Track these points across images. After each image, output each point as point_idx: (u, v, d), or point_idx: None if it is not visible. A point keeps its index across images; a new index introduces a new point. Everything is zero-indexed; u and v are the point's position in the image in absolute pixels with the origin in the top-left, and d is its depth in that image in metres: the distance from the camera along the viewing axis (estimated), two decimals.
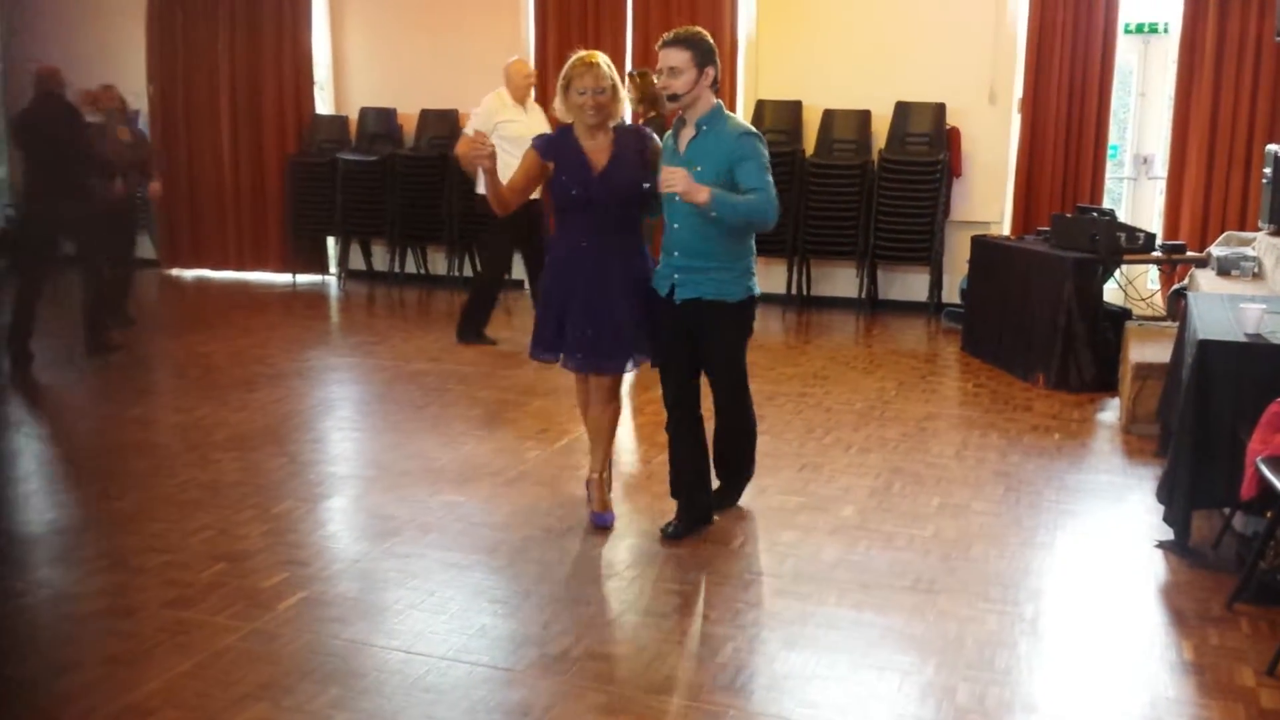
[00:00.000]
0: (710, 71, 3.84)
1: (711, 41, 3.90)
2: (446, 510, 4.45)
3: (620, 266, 4.04)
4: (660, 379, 4.17)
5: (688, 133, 3.94)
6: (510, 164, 4.38)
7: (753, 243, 4.04)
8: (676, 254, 3.98)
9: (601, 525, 4.24)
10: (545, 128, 7.12)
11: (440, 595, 3.68)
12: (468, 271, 9.65)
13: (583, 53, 4.00)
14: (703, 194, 3.72)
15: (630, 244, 4.10)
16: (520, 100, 7.12)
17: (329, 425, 5.82)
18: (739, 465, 4.42)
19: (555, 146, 4.04)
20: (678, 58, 3.79)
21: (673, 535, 4.14)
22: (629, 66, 8.63)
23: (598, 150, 3.99)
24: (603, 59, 3.96)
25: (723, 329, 4.03)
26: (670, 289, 4.01)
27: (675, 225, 3.97)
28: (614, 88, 3.96)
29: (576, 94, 3.92)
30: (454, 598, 3.66)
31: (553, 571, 3.90)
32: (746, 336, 4.13)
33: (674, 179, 3.73)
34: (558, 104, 4.02)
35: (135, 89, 10.16)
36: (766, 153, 3.88)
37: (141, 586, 3.73)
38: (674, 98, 3.84)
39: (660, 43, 3.87)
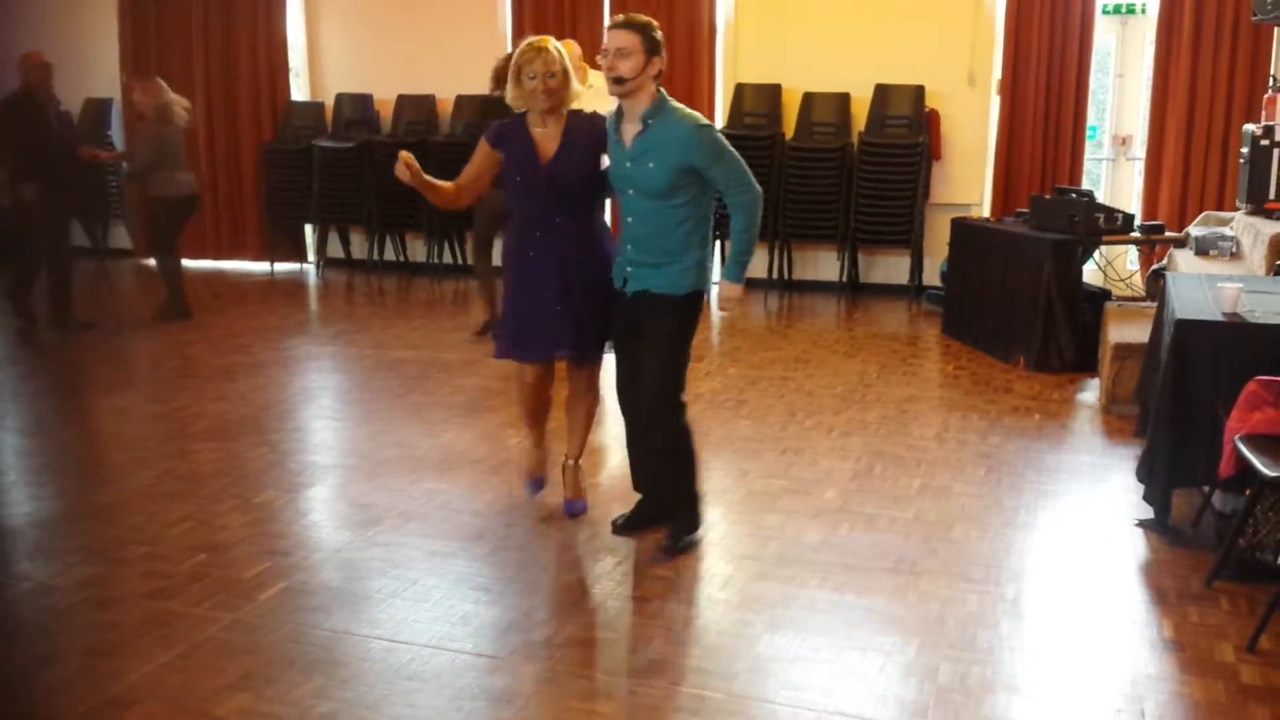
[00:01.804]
0: (657, 63, 3.69)
1: (661, 36, 3.74)
2: (428, 498, 4.43)
3: (575, 254, 3.95)
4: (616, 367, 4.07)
5: (632, 127, 3.75)
6: None
7: (708, 237, 3.88)
8: (630, 248, 3.85)
9: (572, 512, 4.22)
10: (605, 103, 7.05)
11: (423, 583, 3.67)
12: (447, 259, 9.62)
13: (532, 38, 3.94)
14: (738, 290, 3.87)
15: (585, 231, 3.99)
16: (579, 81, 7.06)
17: (309, 414, 5.79)
18: (667, 488, 4.00)
19: (505, 136, 3.96)
20: (628, 39, 3.64)
21: (620, 526, 4.08)
22: None
23: (547, 138, 3.92)
24: (553, 44, 3.89)
25: (663, 321, 3.83)
26: (624, 281, 3.90)
27: (630, 220, 3.84)
28: (564, 73, 3.87)
29: (528, 79, 3.85)
30: (436, 586, 3.66)
31: (535, 558, 3.89)
32: (688, 333, 3.89)
33: (730, 301, 3.89)
34: (510, 92, 3.93)
35: (109, 76, 10.09)
36: (721, 136, 3.77)
37: (122, 578, 3.71)
38: (619, 80, 3.65)
39: (610, 24, 3.73)
